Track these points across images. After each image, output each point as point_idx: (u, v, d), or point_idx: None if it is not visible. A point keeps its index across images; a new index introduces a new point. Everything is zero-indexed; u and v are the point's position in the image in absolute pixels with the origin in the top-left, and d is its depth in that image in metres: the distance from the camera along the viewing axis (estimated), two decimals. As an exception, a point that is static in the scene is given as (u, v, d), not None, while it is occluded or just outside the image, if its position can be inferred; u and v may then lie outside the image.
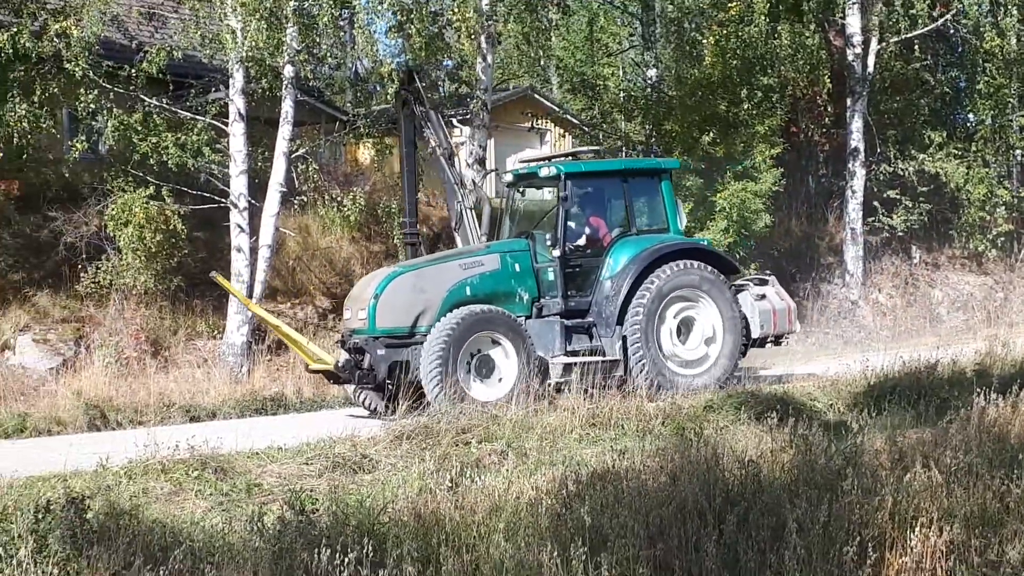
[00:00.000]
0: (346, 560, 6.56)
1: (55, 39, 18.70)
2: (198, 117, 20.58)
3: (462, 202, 17.29)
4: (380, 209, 22.75)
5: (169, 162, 19.87)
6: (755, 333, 16.18)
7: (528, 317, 15.18)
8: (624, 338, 15.19)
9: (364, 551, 6.65)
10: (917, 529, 7.26)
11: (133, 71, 19.76)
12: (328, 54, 21.70)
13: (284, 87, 20.10)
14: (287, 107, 20.18)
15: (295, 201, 21.70)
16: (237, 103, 20.05)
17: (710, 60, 24.37)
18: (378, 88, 25.60)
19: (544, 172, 15.90)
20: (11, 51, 18.28)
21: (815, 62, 27.56)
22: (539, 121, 32.57)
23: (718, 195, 23.23)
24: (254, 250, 20.19)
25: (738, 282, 17.09)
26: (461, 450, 11.47)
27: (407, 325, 14.62)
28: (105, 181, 20.75)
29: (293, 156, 20.58)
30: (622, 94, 29.57)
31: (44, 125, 19.45)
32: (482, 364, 14.60)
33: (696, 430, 12.00)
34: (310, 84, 22.72)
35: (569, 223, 15.64)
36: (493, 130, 25.69)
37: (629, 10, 32.51)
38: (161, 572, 6.46)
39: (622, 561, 6.95)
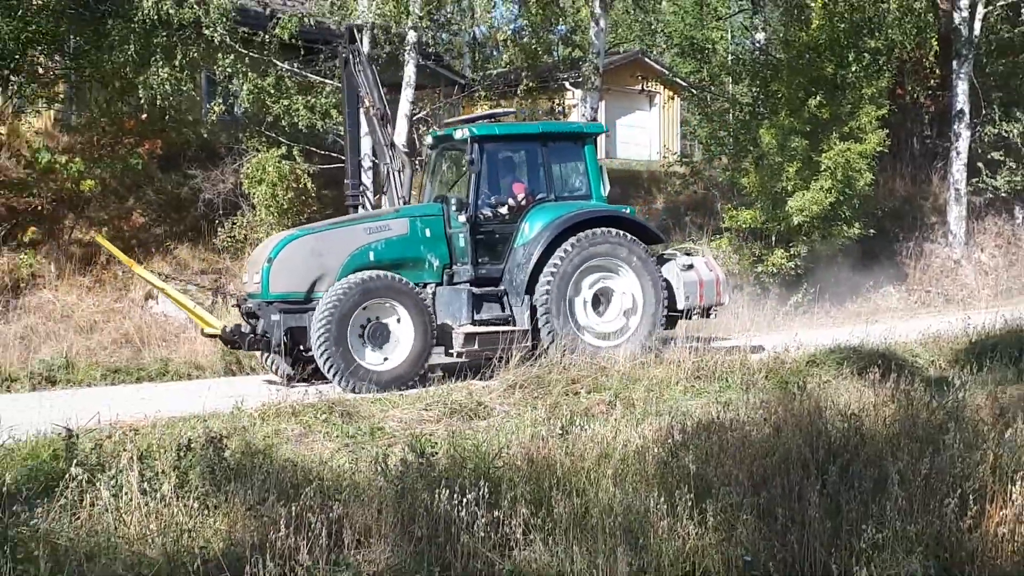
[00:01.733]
0: (464, 500, 6.64)
1: (195, 6, 18.96)
2: (327, 81, 20.77)
3: (390, 164, 15.44)
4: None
5: (300, 123, 20.10)
6: (680, 304, 14.77)
7: (439, 284, 13.98)
8: (534, 307, 13.81)
9: (480, 492, 6.71)
10: (1018, 483, 7.12)
11: (267, 37, 19.98)
12: (448, 20, 21.67)
13: (407, 52, 20.16)
14: (409, 71, 20.24)
15: (416, 161, 21.82)
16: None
17: (818, 24, 23.66)
18: (494, 52, 25.53)
19: (458, 135, 14.41)
20: (155, 18, 18.59)
21: (922, 25, 26.54)
22: (649, 84, 32.28)
23: (823, 155, 22.75)
24: (378, 207, 20.34)
25: (666, 252, 15.86)
26: (571, 399, 11.47)
27: (303, 290, 13.31)
28: (240, 141, 21.13)
29: (415, 118, 20.69)
30: (730, 57, 29.10)
31: (184, 88, 19.79)
32: (376, 332, 13.18)
33: (799, 384, 11.86)
34: (431, 49, 22.74)
35: (481, 187, 14.21)
36: (604, 93, 25.47)
37: (739, -26, 31.95)
38: (293, 508, 6.56)
39: (726, 508, 6.93)
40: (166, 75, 18.97)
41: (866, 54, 24.16)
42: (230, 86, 20.45)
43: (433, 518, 6.67)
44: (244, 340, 13.41)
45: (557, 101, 25.86)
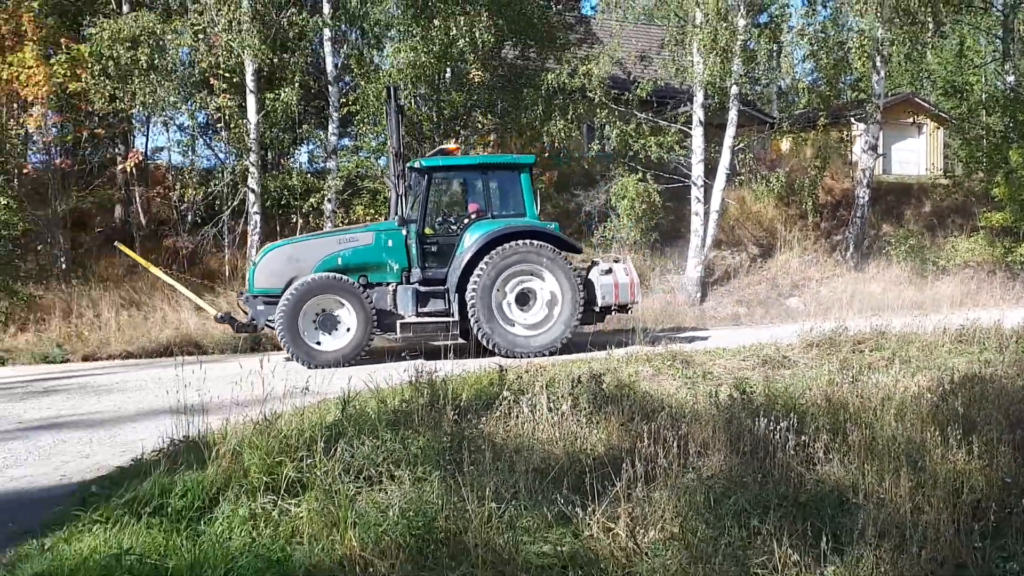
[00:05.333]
0: (778, 427, 6.41)
1: (582, 77, 19.34)
2: (671, 125, 20.63)
3: (395, 190, 13.36)
4: (796, 184, 21.80)
5: (652, 156, 20.09)
6: (599, 302, 12.96)
7: (399, 283, 12.62)
8: (464, 302, 12.41)
9: (790, 422, 6.44)
10: None
11: (629, 95, 20.08)
12: (762, 76, 20.94)
13: (730, 101, 19.69)
14: (732, 115, 19.75)
15: (736, 180, 21.28)
16: (698, 114, 19.88)
17: (1062, 65, 21.18)
18: (795, 99, 24.45)
19: (416, 165, 13.11)
20: (555, 87, 19.14)
21: None
22: (918, 117, 29.90)
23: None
24: (707, 214, 20.04)
25: (594, 259, 13.99)
26: (857, 356, 10.77)
27: (280, 286, 12.33)
28: (610, 170, 21.36)
29: (735, 149, 20.15)
30: (984, 95, 26.38)
31: (573, 135, 20.24)
32: (326, 321, 12.20)
33: (1048, 347, 10.63)
34: (747, 98, 22.03)
35: (427, 207, 12.81)
36: (883, 125, 23.78)
37: (992, 32, 28.80)
38: (652, 425, 6.57)
39: (988, 442, 6.32)
40: (561, 126, 19.47)
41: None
42: (604, 131, 20.76)
43: (754, 439, 6.47)
44: (234, 324, 12.82)
45: (846, 133, 24.41)
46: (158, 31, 17.32)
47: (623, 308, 13.40)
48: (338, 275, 12.32)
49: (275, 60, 17.87)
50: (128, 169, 18.74)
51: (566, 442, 6.74)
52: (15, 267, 15.80)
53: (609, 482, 5.67)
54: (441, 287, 12.60)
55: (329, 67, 18.90)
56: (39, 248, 17.21)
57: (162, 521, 5.41)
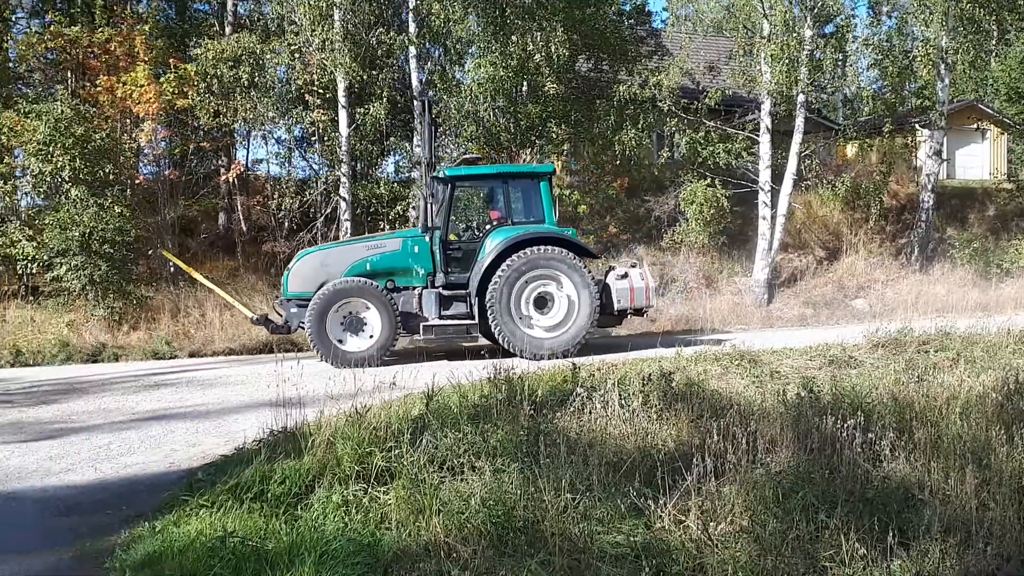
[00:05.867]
0: (845, 425, 6.28)
1: (652, 88, 19.21)
2: (739, 132, 20.34)
3: (425, 198, 12.95)
4: (861, 189, 21.27)
5: (720, 162, 19.84)
6: (616, 306, 12.63)
7: (424, 288, 12.45)
8: (483, 306, 12.14)
9: (857, 420, 6.31)
10: None
11: (698, 104, 19.87)
12: (828, 84, 20.49)
13: (797, 109, 19.32)
14: (798, 122, 19.39)
15: (802, 185, 20.86)
16: (765, 121, 19.56)
17: None
18: (860, 106, 23.89)
19: (439, 175, 12.75)
20: (626, 97, 19.05)
21: None
22: (982, 123, 28.89)
23: None
24: (773, 218, 19.69)
25: (612, 264, 13.61)
26: (922, 356, 10.45)
27: (311, 291, 12.20)
28: (679, 176, 21.15)
29: (802, 154, 19.76)
30: (1050, 100, 25.42)
31: (644, 143, 20.11)
32: (354, 323, 12.08)
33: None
34: (813, 105, 21.59)
35: (449, 215, 12.54)
36: (947, 131, 23.03)
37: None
38: (721, 422, 6.50)
39: (1056, 441, 6.09)
40: (632, 134, 19.37)
41: None
42: (674, 140, 20.59)
43: (822, 436, 6.35)
44: (270, 326, 12.86)
45: (910, 139, 23.72)
46: (258, 51, 17.84)
47: (639, 312, 13.13)
48: (364, 279, 12.30)
49: (365, 77, 18.19)
50: (230, 180, 19.32)
51: (637, 437, 6.70)
52: (128, 270, 16.41)
53: (679, 476, 5.65)
54: (463, 291, 12.46)
55: (414, 82, 19.17)
56: (150, 253, 17.85)
57: (262, 506, 5.58)
